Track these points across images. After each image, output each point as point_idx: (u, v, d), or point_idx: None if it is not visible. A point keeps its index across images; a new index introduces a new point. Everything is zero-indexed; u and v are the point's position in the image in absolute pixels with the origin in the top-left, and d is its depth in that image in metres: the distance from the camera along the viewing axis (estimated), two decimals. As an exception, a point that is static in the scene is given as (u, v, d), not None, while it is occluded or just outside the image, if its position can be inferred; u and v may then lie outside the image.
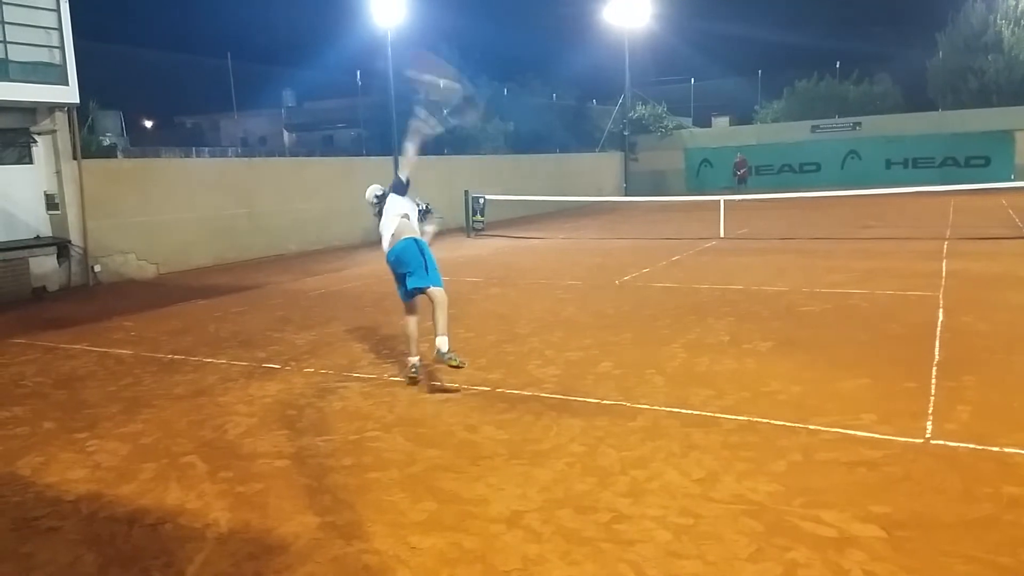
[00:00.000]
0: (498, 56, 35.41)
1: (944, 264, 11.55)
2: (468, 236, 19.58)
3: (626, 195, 33.20)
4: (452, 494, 4.19)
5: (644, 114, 35.66)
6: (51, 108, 12.96)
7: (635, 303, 9.60)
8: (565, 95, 35.15)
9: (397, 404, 5.87)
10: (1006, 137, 29.40)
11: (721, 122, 40.67)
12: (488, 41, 39.21)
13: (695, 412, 5.36)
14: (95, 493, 4.43)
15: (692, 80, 39.95)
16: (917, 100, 37.13)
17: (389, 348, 7.66)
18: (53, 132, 13.13)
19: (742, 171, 29.94)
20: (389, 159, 21.02)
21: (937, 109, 33.71)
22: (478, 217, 20.53)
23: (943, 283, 9.97)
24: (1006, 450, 4.45)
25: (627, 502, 4.01)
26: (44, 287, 12.61)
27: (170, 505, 4.22)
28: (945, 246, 13.61)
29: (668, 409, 5.44)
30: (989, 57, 32.98)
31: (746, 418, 5.18)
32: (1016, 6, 33.03)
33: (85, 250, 13.42)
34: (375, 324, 8.94)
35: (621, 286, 10.99)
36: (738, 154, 30.78)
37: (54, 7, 12.39)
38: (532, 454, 4.73)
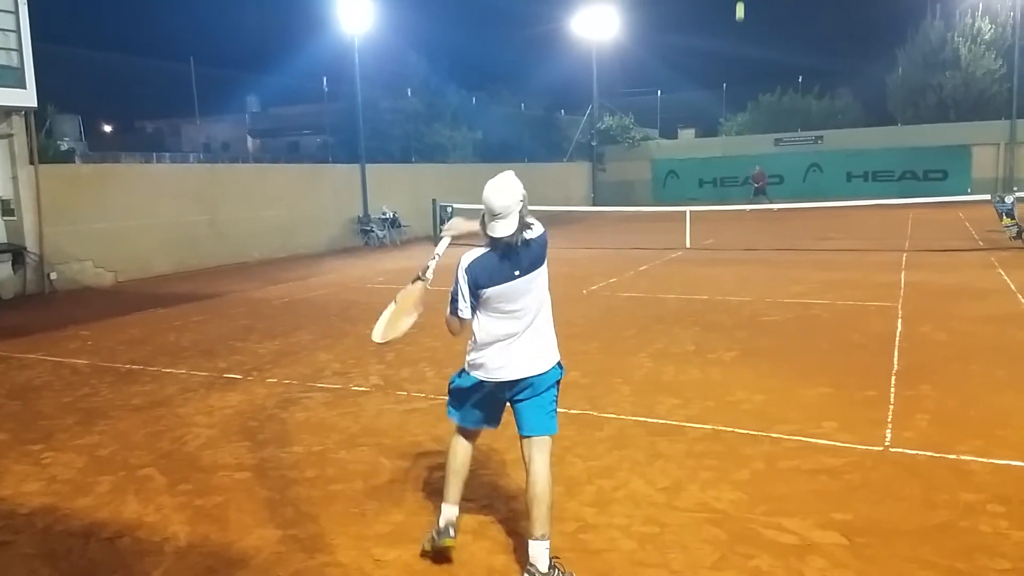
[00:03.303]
0: (467, 65, 35.56)
1: (903, 275, 11.79)
2: (436, 245, 19.49)
3: (594, 205, 33.40)
4: (418, 505, 4.15)
5: (612, 125, 35.96)
6: (8, 112, 12.67)
7: (602, 313, 9.64)
8: (533, 105, 35.31)
9: (362, 415, 5.81)
10: (963, 151, 30.17)
11: (687, 134, 41.12)
12: (456, 50, 39.34)
13: (661, 421, 5.39)
14: (50, 506, 4.31)
15: (659, 92, 40.43)
16: (877, 115, 37.95)
17: (355, 358, 7.59)
18: (10, 136, 12.83)
19: (760, 183, 29.19)
20: (355, 167, 20.92)
21: (896, 124, 34.50)
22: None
23: (902, 294, 10.17)
24: (963, 458, 4.54)
25: (593, 511, 4.01)
26: (-2, 295, 12.30)
27: (127, 518, 4.12)
28: (904, 258, 13.90)
29: (634, 418, 5.47)
30: (947, 73, 33.84)
31: (711, 427, 5.22)
32: (972, 24, 33.97)
33: (41, 257, 13.10)
34: (340, 333, 8.86)
35: (588, 296, 11.04)
36: (756, 167, 29.59)
37: (12, 9, 12.12)
38: (499, 464, 4.71)
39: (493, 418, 3.52)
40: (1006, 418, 5.20)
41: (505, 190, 3.16)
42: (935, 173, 30.53)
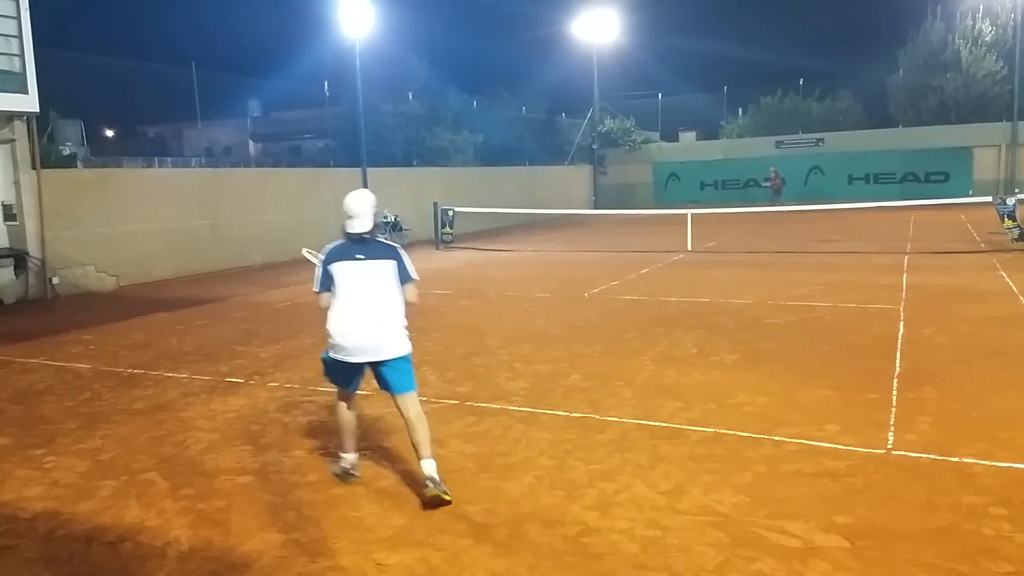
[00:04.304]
0: (467, 68, 35.55)
1: (905, 277, 11.78)
2: (437, 248, 19.53)
3: (595, 208, 33.41)
4: (419, 509, 4.15)
5: (613, 128, 35.97)
6: (10, 117, 12.69)
7: (604, 316, 9.64)
8: (534, 108, 35.32)
9: (364, 418, 5.81)
10: (965, 153, 30.15)
11: (688, 137, 41.14)
12: (457, 53, 39.34)
13: (663, 424, 5.39)
14: (53, 511, 4.32)
15: (660, 95, 40.45)
16: (878, 117, 37.92)
17: (356, 361, 7.58)
18: (12, 141, 12.85)
19: (775, 183, 29.43)
20: (357, 170, 20.93)
21: (898, 126, 34.48)
22: (447, 229, 20.50)
23: (904, 296, 10.17)
24: (965, 460, 4.53)
25: (595, 515, 4.01)
26: (0, 300, 12.30)
27: (130, 523, 4.12)
28: (906, 260, 13.89)
29: (636, 421, 5.46)
30: (948, 75, 33.83)
31: (713, 430, 5.22)
32: (973, 26, 33.98)
33: (43, 262, 13.12)
34: (342, 337, 8.85)
35: (590, 298, 11.03)
36: (772, 168, 30.23)
37: (14, 14, 12.16)
38: (500, 468, 4.71)
39: (358, 383, 4.55)
40: (1009, 420, 5.20)
41: (361, 198, 4.40)
42: (936, 175, 30.51)
